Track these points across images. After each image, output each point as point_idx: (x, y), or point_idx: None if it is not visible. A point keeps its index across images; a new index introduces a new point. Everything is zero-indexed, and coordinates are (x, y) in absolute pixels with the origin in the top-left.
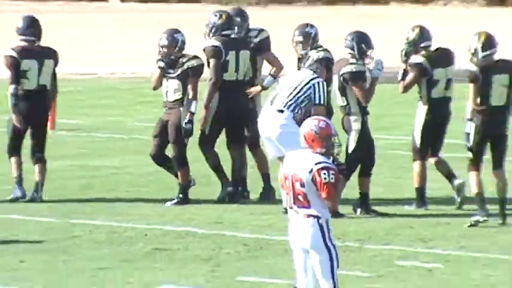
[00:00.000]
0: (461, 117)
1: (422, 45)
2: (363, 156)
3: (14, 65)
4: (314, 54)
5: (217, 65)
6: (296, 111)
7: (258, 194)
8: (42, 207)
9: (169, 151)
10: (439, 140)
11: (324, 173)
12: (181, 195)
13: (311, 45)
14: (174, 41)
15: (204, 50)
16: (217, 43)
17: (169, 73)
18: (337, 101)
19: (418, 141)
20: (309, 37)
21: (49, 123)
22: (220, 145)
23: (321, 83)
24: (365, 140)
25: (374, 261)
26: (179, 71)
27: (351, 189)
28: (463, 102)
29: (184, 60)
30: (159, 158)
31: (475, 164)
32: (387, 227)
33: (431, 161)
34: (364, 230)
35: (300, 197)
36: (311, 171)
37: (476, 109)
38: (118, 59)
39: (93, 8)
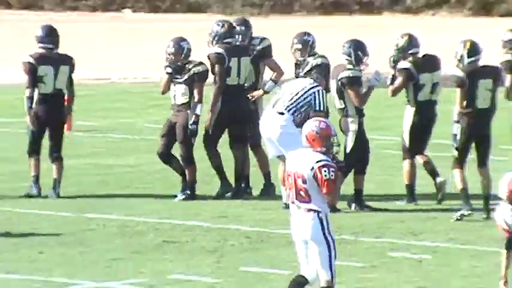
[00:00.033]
0: (445, 120)
1: (410, 51)
2: (360, 155)
3: (31, 71)
4: (312, 61)
5: (222, 70)
6: (296, 114)
7: (260, 190)
8: (59, 202)
9: (177, 150)
10: (425, 140)
11: (325, 170)
12: (189, 192)
13: (309, 52)
14: (181, 49)
15: (208, 56)
16: (220, 50)
17: (177, 78)
18: (336, 103)
19: (407, 141)
20: (307, 45)
21: (66, 125)
22: (224, 145)
23: (321, 91)
24: (361, 140)
25: (368, 253)
26: (186, 76)
27: (346, 186)
28: (450, 105)
29: (190, 66)
30: (166, 156)
31: (460, 162)
32: (380, 221)
33: (419, 160)
34: (359, 224)
35: (302, 193)
36: (312, 168)
37: (463, 112)
38: (130, 65)
39: (107, 18)
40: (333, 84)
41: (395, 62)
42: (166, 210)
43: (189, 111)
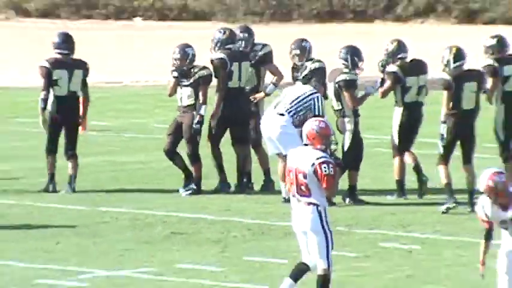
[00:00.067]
0: (433, 120)
1: (399, 56)
2: (356, 153)
3: (47, 74)
4: (310, 65)
5: (224, 74)
6: (295, 117)
7: (260, 186)
8: (75, 197)
9: (183, 149)
10: (411, 139)
11: (324, 166)
12: (195, 187)
13: (306, 57)
14: (186, 54)
15: (211, 61)
16: (223, 55)
17: (183, 82)
18: (333, 105)
19: (396, 140)
20: (304, 50)
21: (81, 126)
22: (227, 143)
23: (319, 98)
24: (357, 139)
25: (361, 243)
26: (191, 80)
27: (341, 181)
28: (438, 107)
29: (195, 70)
30: (171, 153)
31: (445, 159)
32: (372, 214)
33: (408, 161)
34: (352, 216)
35: (303, 187)
36: (313, 164)
37: (449, 113)
38: (141, 69)
39: (119, 26)
40: (330, 87)
41: (384, 66)
42: (174, 204)
43: (194, 112)
